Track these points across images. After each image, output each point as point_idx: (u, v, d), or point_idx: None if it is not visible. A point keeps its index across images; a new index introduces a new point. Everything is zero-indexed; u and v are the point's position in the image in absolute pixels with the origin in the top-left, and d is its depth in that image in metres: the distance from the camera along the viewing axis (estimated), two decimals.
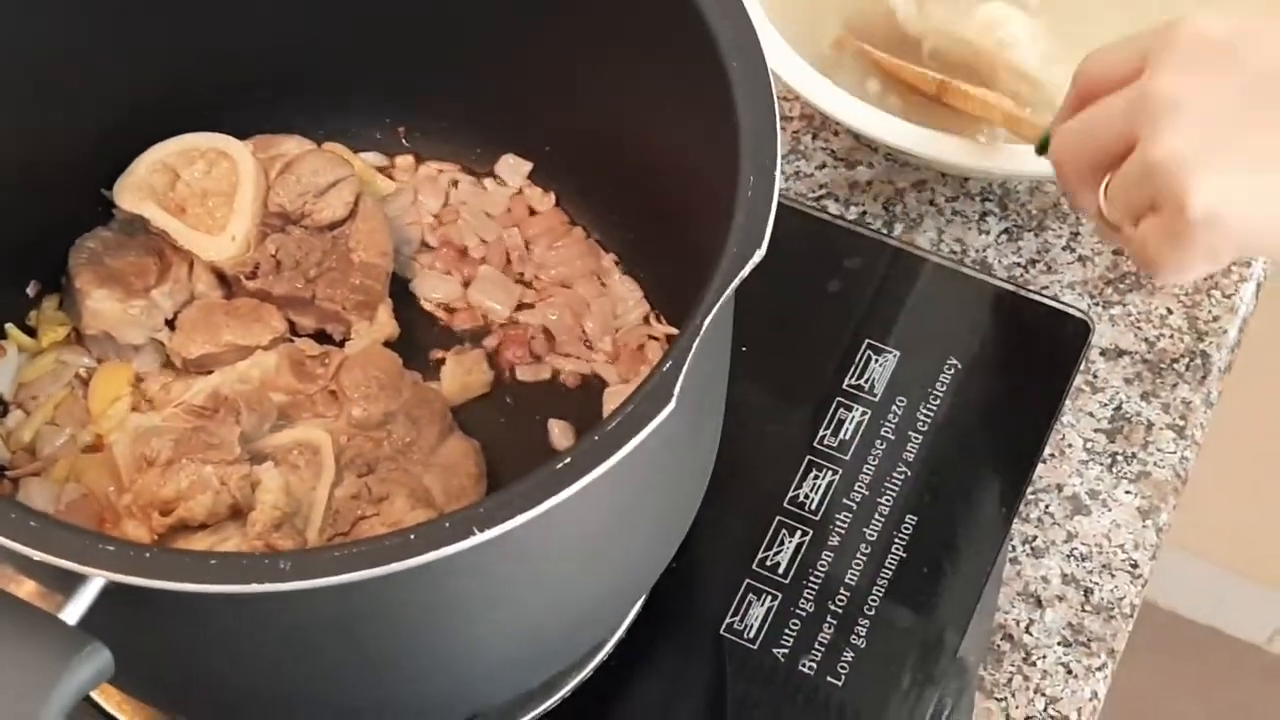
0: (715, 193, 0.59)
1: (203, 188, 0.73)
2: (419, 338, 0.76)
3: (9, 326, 0.73)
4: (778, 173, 0.56)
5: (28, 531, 0.50)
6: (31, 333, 0.73)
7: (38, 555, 0.50)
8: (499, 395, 0.75)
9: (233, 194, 0.73)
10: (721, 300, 0.54)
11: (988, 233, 0.87)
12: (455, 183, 0.80)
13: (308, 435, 0.67)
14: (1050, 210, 0.88)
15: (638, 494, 0.59)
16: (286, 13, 0.74)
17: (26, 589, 0.51)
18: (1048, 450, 0.79)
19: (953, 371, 0.77)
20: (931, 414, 0.76)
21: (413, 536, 0.50)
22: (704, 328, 0.53)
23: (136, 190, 0.74)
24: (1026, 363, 0.79)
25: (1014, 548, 0.78)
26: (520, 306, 0.76)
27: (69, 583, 0.50)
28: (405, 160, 0.80)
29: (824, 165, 0.89)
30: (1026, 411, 0.77)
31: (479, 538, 0.50)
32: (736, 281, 0.54)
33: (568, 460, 0.51)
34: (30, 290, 0.74)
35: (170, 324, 0.73)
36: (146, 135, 0.75)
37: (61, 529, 0.51)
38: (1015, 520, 0.76)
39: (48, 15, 0.67)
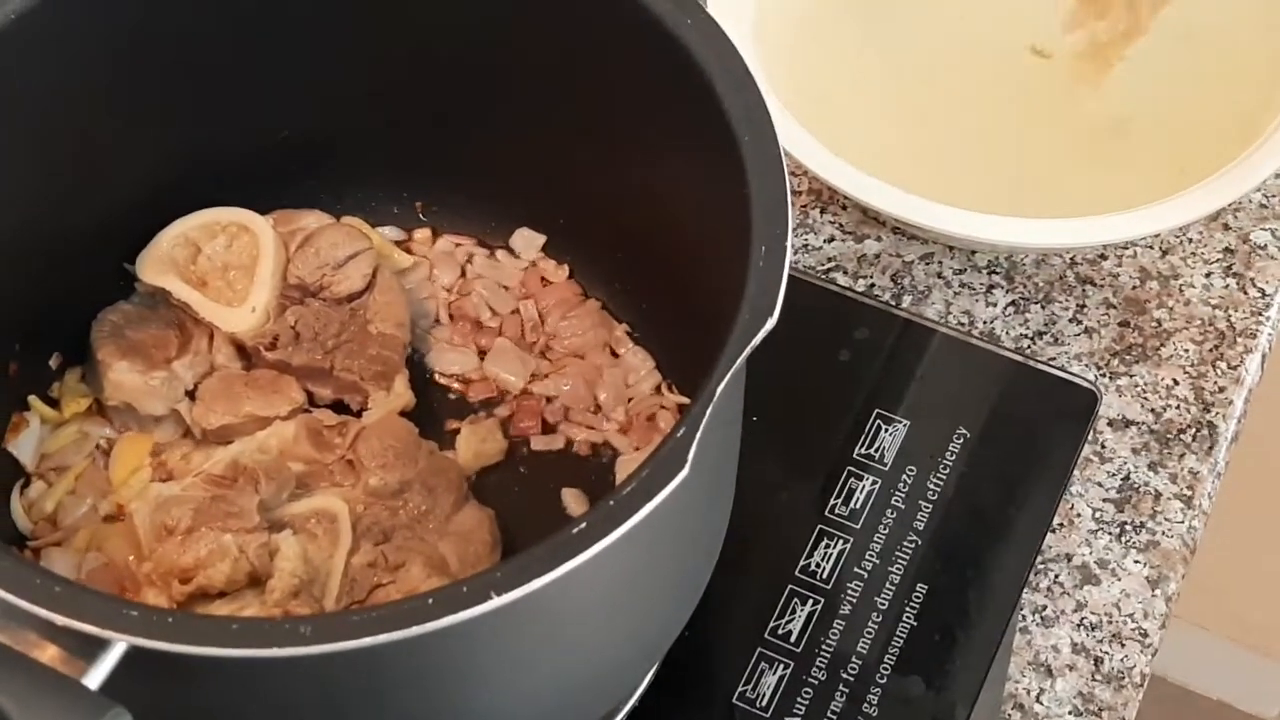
0: (727, 264, 0.60)
1: (224, 261, 0.74)
2: (435, 408, 0.77)
3: (31, 398, 0.74)
4: (789, 242, 0.57)
5: (51, 596, 0.51)
6: (54, 404, 0.74)
7: (60, 620, 0.51)
8: (513, 464, 0.75)
9: (253, 267, 0.74)
10: (735, 368, 0.54)
11: (995, 304, 0.88)
12: (471, 257, 0.81)
13: (325, 504, 0.68)
14: (1056, 282, 0.89)
15: (652, 560, 0.60)
16: (306, 91, 0.75)
17: (49, 654, 0.52)
18: (1056, 519, 0.80)
19: (962, 440, 0.78)
20: (941, 483, 0.77)
21: (430, 601, 0.51)
22: (717, 394, 0.54)
23: (159, 264, 0.75)
24: (1035, 432, 0.79)
25: (1024, 617, 0.78)
26: (534, 377, 0.77)
27: (92, 648, 0.50)
28: (423, 234, 0.82)
29: (832, 239, 0.91)
30: (1036, 481, 0.78)
31: (496, 602, 0.50)
32: (749, 349, 0.55)
33: (583, 525, 0.52)
34: (53, 362, 0.75)
35: (190, 395, 0.74)
36: (168, 210, 0.76)
37: (84, 594, 0.52)
38: (1025, 589, 0.76)
39: (69, 93, 0.69)
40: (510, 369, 0.77)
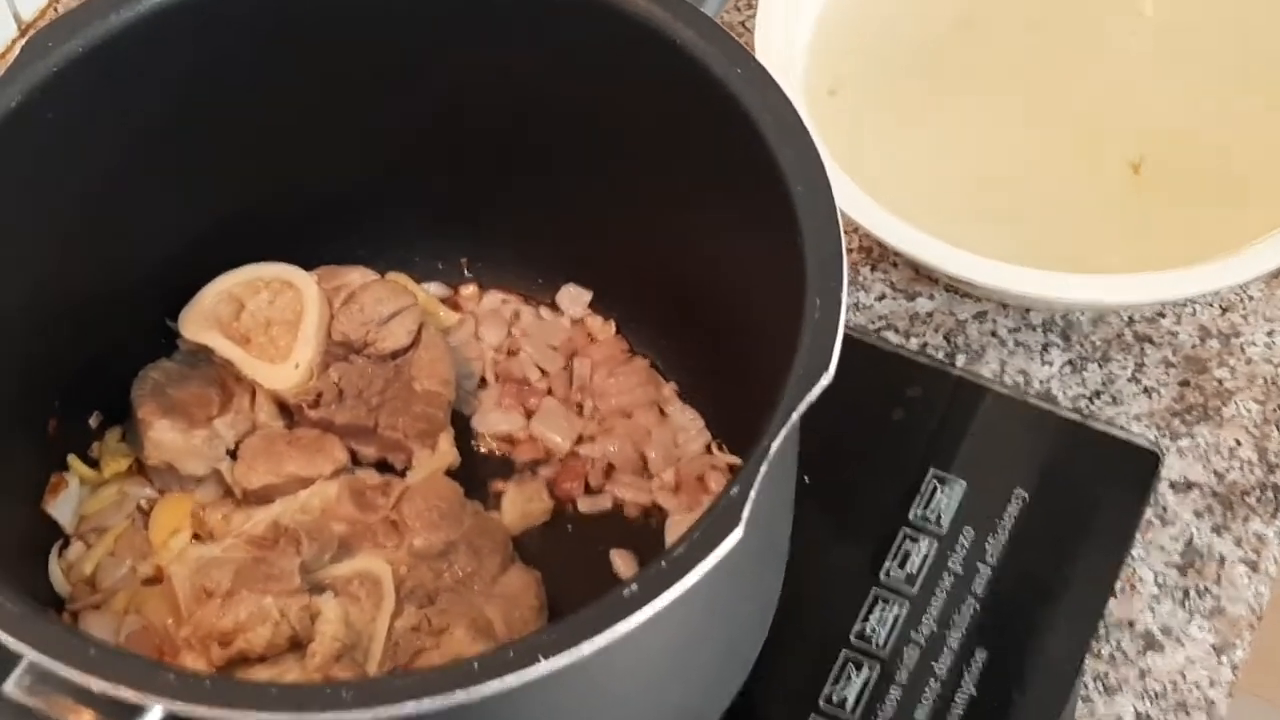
0: (778, 319, 0.58)
1: (267, 317, 0.73)
2: (479, 469, 0.75)
3: (71, 458, 0.73)
4: (844, 294, 0.55)
5: (86, 660, 0.50)
6: (93, 464, 0.73)
7: (97, 684, 0.49)
8: (559, 525, 0.74)
9: (297, 323, 0.73)
10: (790, 424, 0.53)
11: (1051, 364, 0.86)
12: (518, 314, 0.80)
13: (368, 566, 0.66)
14: (1114, 341, 0.87)
15: (704, 623, 0.58)
16: (350, 147, 0.75)
17: None
18: (1118, 584, 0.77)
19: (1021, 503, 0.76)
20: (1000, 546, 0.75)
21: (476, 665, 0.49)
22: (772, 451, 0.52)
23: (201, 320, 0.74)
24: (1096, 494, 0.77)
25: (1085, 685, 0.76)
26: (580, 438, 0.76)
27: (129, 713, 0.49)
28: (468, 290, 0.81)
29: (883, 296, 0.89)
30: (1097, 544, 0.75)
31: (544, 666, 0.49)
32: (804, 405, 0.53)
33: (633, 587, 0.50)
34: (93, 421, 0.74)
35: (232, 454, 0.73)
36: (210, 267, 0.76)
37: (120, 657, 0.51)
38: (1086, 656, 0.74)
39: (114, 149, 0.68)
40: (558, 430, 0.76)
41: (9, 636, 0.50)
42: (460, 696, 0.48)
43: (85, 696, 0.51)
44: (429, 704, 0.48)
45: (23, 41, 0.87)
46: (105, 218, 0.70)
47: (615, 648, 0.50)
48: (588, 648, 0.49)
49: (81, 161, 0.67)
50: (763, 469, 0.52)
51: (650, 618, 0.50)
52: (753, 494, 0.51)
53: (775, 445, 0.52)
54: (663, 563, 0.51)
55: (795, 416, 0.53)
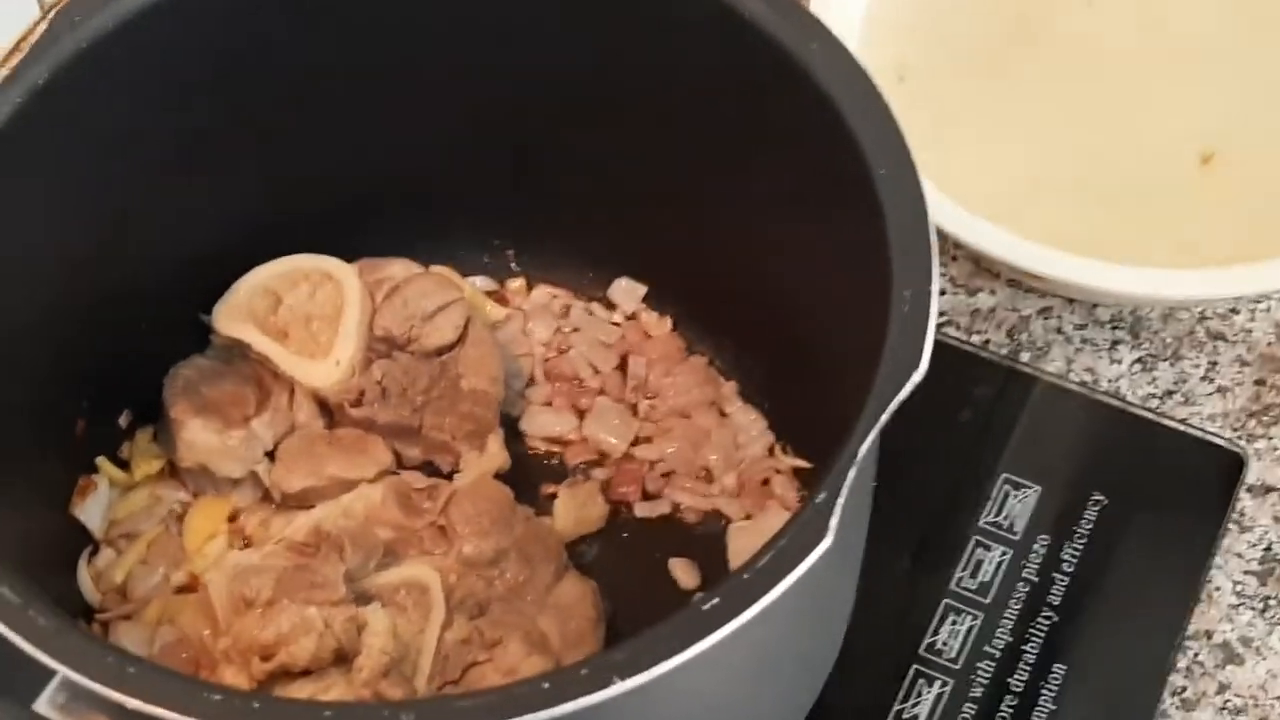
0: (856, 313, 0.55)
1: (306, 312, 0.70)
2: (528, 472, 0.72)
3: (100, 460, 0.70)
4: (934, 284, 0.52)
5: (123, 678, 0.47)
6: (123, 466, 0.70)
7: (134, 703, 0.46)
8: (613, 531, 0.71)
9: (337, 318, 0.70)
10: (879, 425, 0.49)
11: (1120, 362, 0.83)
12: (568, 309, 0.77)
13: (415, 574, 0.63)
14: (1185, 338, 0.83)
15: (780, 640, 0.55)
16: (393, 136, 0.71)
17: None
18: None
19: (1098, 508, 0.73)
20: (1077, 554, 0.71)
21: (546, 685, 0.46)
22: (860, 454, 0.49)
23: (236, 314, 0.71)
24: (1177, 499, 0.74)
25: (1162, 699, 0.72)
26: (636, 440, 0.73)
27: None
28: (516, 283, 0.78)
29: (943, 291, 0.85)
30: (1178, 551, 0.72)
31: (619, 687, 0.45)
32: (895, 404, 0.50)
33: (715, 601, 0.47)
34: (122, 421, 0.71)
35: (269, 455, 0.70)
36: (244, 259, 0.73)
37: (160, 675, 0.48)
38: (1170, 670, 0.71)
39: (140, 131, 0.65)
40: (612, 431, 0.73)
41: (41, 652, 0.47)
42: None
43: (121, 714, 0.48)
44: None
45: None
46: (134, 205, 0.66)
47: (692, 666, 0.46)
48: (666, 666, 0.46)
49: (110, 145, 0.64)
50: (851, 473, 0.48)
51: (730, 634, 0.46)
52: (841, 500, 0.48)
53: (864, 448, 0.49)
54: (745, 575, 0.47)
55: (884, 417, 0.50)
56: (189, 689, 0.47)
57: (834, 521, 0.48)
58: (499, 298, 0.78)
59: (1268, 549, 0.77)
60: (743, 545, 0.69)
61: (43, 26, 0.60)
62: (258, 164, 0.70)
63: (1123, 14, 0.89)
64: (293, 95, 0.68)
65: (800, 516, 0.48)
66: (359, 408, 0.69)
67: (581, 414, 0.74)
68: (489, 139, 0.71)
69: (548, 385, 0.75)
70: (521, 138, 0.71)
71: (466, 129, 0.71)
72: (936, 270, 0.52)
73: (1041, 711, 0.68)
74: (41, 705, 0.48)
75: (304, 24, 0.66)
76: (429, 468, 0.70)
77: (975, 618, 0.70)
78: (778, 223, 0.64)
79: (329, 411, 0.70)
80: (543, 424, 0.74)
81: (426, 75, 0.69)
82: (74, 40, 0.60)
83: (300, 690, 0.60)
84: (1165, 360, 0.83)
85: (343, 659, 0.60)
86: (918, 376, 0.50)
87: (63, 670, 0.47)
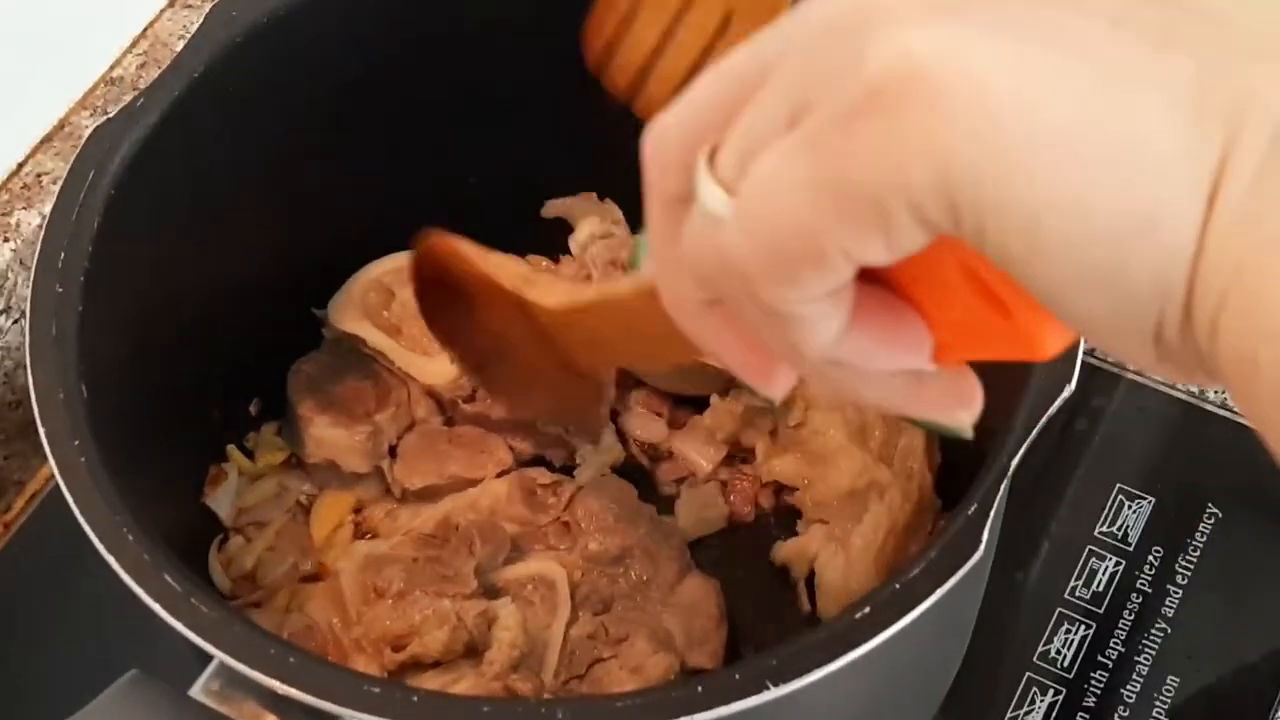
0: None
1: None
2: (644, 469, 0.72)
3: (230, 448, 0.70)
4: None
5: (285, 668, 0.47)
6: (249, 455, 0.70)
7: (296, 694, 0.47)
8: (731, 531, 0.70)
9: None
10: (1030, 439, 0.50)
11: None
12: None
13: (543, 569, 0.63)
14: None
15: (918, 649, 0.55)
16: (514, 133, 0.71)
17: None
18: None
19: (1214, 520, 0.72)
20: (1192, 566, 0.71)
21: (700, 689, 0.46)
22: (1011, 468, 0.49)
23: (351, 309, 0.72)
24: None
25: (1275, 714, 0.72)
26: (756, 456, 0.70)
27: None
28: None
29: None
30: None
31: (772, 693, 0.46)
32: (1045, 419, 0.50)
33: (867, 610, 0.47)
34: (253, 408, 0.71)
35: (391, 450, 0.70)
36: (358, 254, 0.73)
37: (321, 666, 0.49)
38: None
39: (281, 125, 0.66)
40: (699, 451, 0.70)
41: (204, 640, 0.48)
42: None
43: (273, 702, 0.48)
44: None
45: (170, 13, 0.85)
46: (271, 198, 0.67)
47: (836, 676, 0.47)
48: (819, 674, 0.46)
49: (254, 138, 0.64)
50: (1003, 488, 0.49)
51: (881, 643, 0.47)
52: (992, 514, 0.48)
53: (1014, 462, 0.49)
54: (897, 585, 0.47)
55: (1035, 432, 0.50)
56: (349, 681, 0.47)
57: (985, 534, 0.48)
58: None
59: None
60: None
61: (162, 22, 0.60)
62: (389, 159, 0.70)
63: None
64: (430, 94, 0.68)
65: (952, 529, 0.48)
66: (472, 404, 0.69)
67: (674, 426, 0.71)
68: (606, 135, 0.71)
69: (644, 390, 0.72)
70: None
71: (584, 127, 0.71)
72: None
73: None
74: (196, 691, 0.49)
75: (447, 26, 0.66)
76: (540, 462, 0.70)
77: (1088, 628, 0.69)
78: None
79: (443, 407, 0.71)
80: (636, 426, 0.71)
81: (547, 80, 0.68)
82: (229, 34, 0.60)
83: (430, 681, 0.60)
84: None
85: (472, 651, 0.61)
86: (1068, 392, 0.50)
87: (223, 658, 0.47)
